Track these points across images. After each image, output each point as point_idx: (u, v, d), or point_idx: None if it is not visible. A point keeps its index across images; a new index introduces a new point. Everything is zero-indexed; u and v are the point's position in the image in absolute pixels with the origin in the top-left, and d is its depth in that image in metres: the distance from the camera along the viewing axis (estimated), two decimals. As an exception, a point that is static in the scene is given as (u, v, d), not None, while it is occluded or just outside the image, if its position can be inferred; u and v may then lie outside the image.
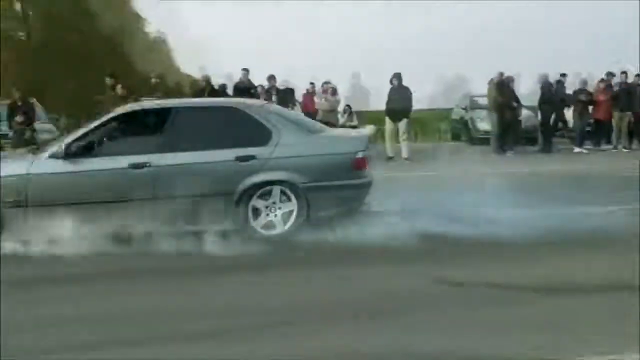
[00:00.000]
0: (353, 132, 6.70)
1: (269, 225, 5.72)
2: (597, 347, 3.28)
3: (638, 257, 4.96)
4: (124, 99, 12.20)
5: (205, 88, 13.56)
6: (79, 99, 32.40)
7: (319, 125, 6.67)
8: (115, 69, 13.96)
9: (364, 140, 6.00)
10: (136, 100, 12.57)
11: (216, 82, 14.37)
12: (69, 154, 5.71)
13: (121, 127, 6.03)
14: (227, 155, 5.66)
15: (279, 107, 7.05)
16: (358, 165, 5.79)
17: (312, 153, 5.71)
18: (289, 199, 5.68)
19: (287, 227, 5.66)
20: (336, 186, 5.65)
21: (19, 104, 12.90)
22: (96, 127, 5.97)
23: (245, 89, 14.07)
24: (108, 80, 12.52)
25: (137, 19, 34.73)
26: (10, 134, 12.65)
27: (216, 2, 39.65)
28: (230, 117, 5.93)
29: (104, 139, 5.89)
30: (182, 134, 5.80)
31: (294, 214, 5.66)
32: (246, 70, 14.49)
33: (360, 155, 5.79)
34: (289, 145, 5.70)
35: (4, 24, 31.33)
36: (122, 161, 5.64)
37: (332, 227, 5.61)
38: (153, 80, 14.00)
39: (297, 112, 7.47)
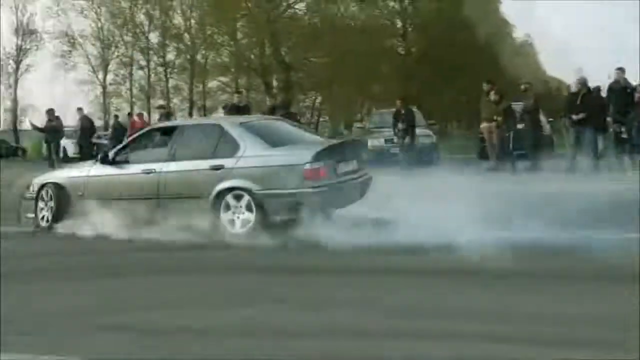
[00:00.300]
0: (310, 146, 6.62)
1: (234, 225, 6.31)
2: None
3: None
4: (497, 104, 12.36)
5: (580, 91, 12.81)
6: (452, 105, 34.02)
7: (293, 137, 6.97)
8: (487, 76, 14.19)
9: (314, 153, 6.26)
10: (508, 106, 12.64)
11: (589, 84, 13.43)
12: (112, 161, 7.10)
13: (146, 141, 7.36)
14: (205, 164, 6.52)
15: (263, 122, 7.50)
16: (307, 175, 6.14)
17: (266, 164, 6.30)
18: (249, 204, 6.25)
19: (247, 227, 6.23)
20: (286, 194, 6.15)
21: (402, 111, 13.98)
22: (132, 141, 7.42)
23: (621, 89, 12.89)
24: (485, 86, 12.75)
25: (505, 25, 34.71)
26: (395, 138, 13.85)
27: (581, 1, 37.07)
28: (214, 132, 6.78)
29: (135, 150, 7.20)
30: (180, 146, 6.82)
31: (253, 216, 6.22)
32: (621, 69, 13.22)
33: (308, 166, 6.15)
34: (250, 157, 6.38)
35: (387, 41, 34.68)
36: (140, 168, 6.87)
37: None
38: (522, 86, 13.78)
39: (280, 126, 7.41)
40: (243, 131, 6.62)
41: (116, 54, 37.97)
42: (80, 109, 17.16)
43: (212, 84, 36.47)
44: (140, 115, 21.25)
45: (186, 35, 36.48)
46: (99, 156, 7.47)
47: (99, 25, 37.51)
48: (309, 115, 38.25)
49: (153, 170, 6.74)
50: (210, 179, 6.41)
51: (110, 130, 20.32)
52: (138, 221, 6.51)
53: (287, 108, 14.55)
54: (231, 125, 6.80)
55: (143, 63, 37.92)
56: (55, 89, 40.28)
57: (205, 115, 35.54)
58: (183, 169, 6.62)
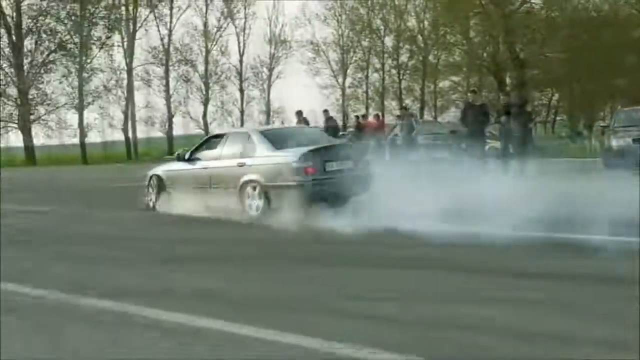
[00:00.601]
0: (305, 149, 7.89)
1: (252, 209, 7.98)
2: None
3: None
4: None
5: None
6: None
7: (298, 141, 8.19)
8: None
9: (300, 155, 7.72)
10: None
11: None
12: (187, 159, 9.07)
13: (208, 144, 9.21)
14: (235, 162, 8.29)
15: (280, 130, 9.49)
16: (295, 172, 7.66)
17: (268, 163, 7.97)
18: (260, 193, 7.92)
19: (259, 211, 7.89)
20: (280, 185, 7.75)
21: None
22: (201, 143, 9.33)
23: None
24: None
25: None
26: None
27: None
28: (243, 138, 8.55)
29: (201, 151, 9.07)
30: (224, 148, 8.65)
31: (262, 202, 7.89)
32: None
33: (295, 164, 7.68)
34: (260, 157, 8.09)
35: (634, 31, 31.15)
36: (202, 164, 8.81)
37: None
38: None
39: (293, 133, 9.12)
40: (261, 137, 8.36)
41: (354, 58, 39.90)
42: (326, 111, 18.34)
43: (444, 83, 36.43)
44: (376, 116, 22.14)
45: (419, 37, 36.92)
46: (176, 155, 9.76)
47: (340, 32, 39.74)
48: (544, 113, 36.26)
49: (208, 167, 8.69)
50: (237, 173, 8.18)
51: (350, 129, 21.49)
52: (203, 205, 8.40)
53: (522, 106, 13.99)
54: (254, 132, 8.64)
55: (378, 66, 39.28)
56: (302, 93, 43.52)
57: (436, 115, 35.66)
58: (223, 165, 8.48)
